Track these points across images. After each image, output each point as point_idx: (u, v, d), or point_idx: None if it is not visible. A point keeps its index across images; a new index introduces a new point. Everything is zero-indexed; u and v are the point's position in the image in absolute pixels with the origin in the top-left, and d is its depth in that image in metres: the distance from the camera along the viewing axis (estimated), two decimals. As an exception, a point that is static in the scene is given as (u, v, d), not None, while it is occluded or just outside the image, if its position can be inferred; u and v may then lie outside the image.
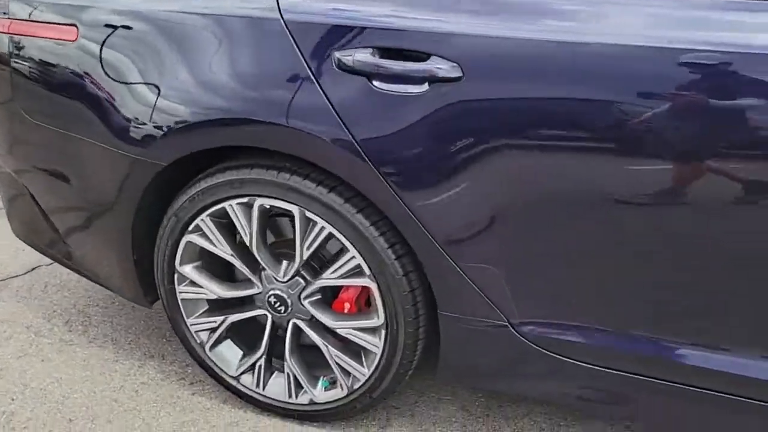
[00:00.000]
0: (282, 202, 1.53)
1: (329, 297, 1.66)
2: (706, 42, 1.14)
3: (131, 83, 1.56)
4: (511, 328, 1.46)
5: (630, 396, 1.44)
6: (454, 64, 1.26)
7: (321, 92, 1.37)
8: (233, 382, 1.81)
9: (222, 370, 1.81)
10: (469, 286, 1.44)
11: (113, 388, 1.90)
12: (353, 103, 1.36)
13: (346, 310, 1.65)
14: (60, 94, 1.69)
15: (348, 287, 1.61)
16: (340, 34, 1.35)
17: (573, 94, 1.22)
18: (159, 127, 1.53)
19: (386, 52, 1.33)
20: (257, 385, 1.78)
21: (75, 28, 1.63)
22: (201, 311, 1.78)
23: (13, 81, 1.76)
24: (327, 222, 1.50)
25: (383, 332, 1.58)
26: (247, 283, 1.70)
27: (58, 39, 1.65)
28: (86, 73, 1.61)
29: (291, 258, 1.62)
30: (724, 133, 1.16)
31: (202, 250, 1.70)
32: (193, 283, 1.74)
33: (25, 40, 1.71)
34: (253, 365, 1.77)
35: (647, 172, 1.21)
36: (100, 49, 1.59)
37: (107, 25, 1.59)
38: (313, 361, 1.74)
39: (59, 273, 2.46)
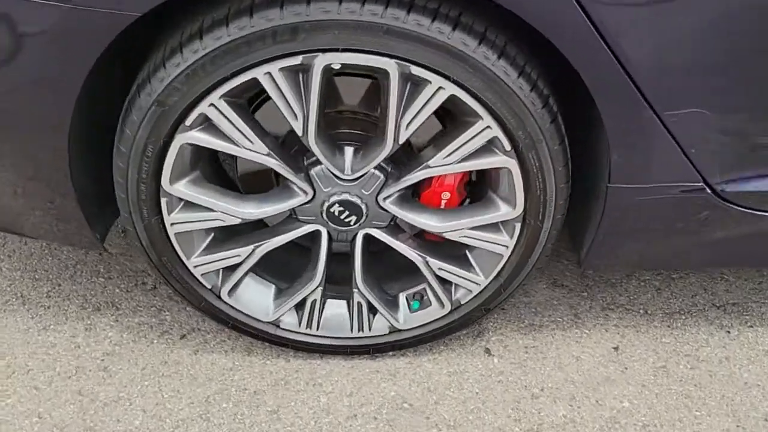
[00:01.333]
0: (367, 56, 0.91)
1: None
2: None
3: None
4: (708, 190, 1.05)
5: None
6: None
7: None
8: (270, 329, 1.25)
9: (251, 317, 1.23)
10: (668, 143, 0.98)
11: (69, 370, 1.25)
12: None
13: (443, 203, 1.13)
14: None
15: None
16: None
17: None
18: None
19: None
20: (307, 325, 1.24)
21: None
22: (205, 244, 1.15)
23: None
24: (446, 78, 0.92)
25: (517, 226, 1.09)
26: (287, 191, 1.09)
27: None
28: None
29: (360, 143, 1.04)
30: None
31: (200, 153, 1.05)
32: (192, 207, 1.09)
33: None
34: (302, 302, 1.21)
35: None
36: None
37: None
38: (383, 277, 1.23)
39: None
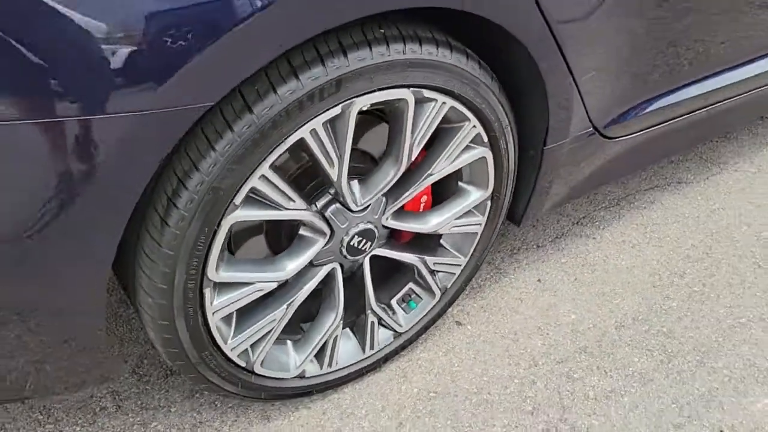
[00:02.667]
0: (391, 91, 1.02)
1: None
2: None
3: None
4: (596, 132, 1.40)
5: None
6: None
7: None
8: (297, 383, 1.26)
9: (279, 379, 1.22)
10: (578, 103, 1.29)
11: None
12: None
13: (423, 206, 1.28)
14: None
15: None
16: None
17: None
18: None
19: None
20: (328, 365, 1.28)
21: None
22: (234, 323, 1.12)
23: None
24: (445, 95, 1.08)
25: (488, 204, 1.30)
26: (308, 239, 1.12)
27: None
28: None
29: (361, 174, 1.14)
30: None
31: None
32: (228, 287, 1.06)
33: None
34: (324, 345, 1.25)
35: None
36: None
37: None
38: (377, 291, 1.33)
39: None
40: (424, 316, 1.38)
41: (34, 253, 0.83)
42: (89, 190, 0.81)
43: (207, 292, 1.01)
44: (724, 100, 1.64)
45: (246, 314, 1.13)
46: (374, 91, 0.99)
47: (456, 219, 1.28)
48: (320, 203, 1.11)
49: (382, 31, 0.97)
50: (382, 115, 1.20)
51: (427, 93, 1.06)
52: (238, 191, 0.95)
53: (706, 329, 1.50)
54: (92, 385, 1.04)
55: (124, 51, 0.73)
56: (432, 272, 1.33)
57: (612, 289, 1.60)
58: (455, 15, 1.00)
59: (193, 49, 0.76)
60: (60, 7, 0.70)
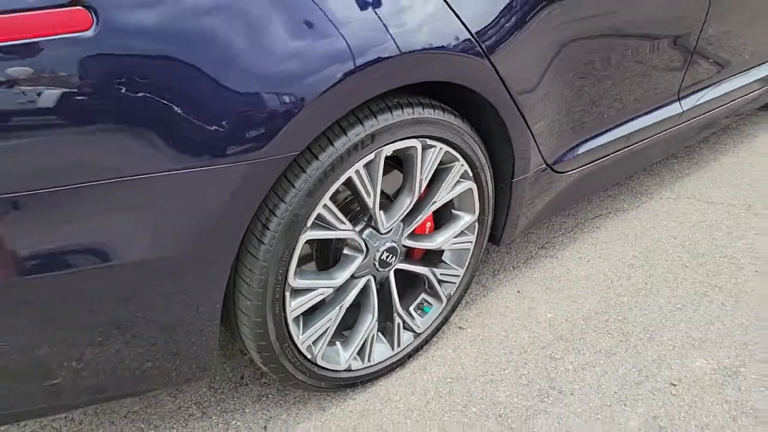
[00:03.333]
0: (406, 141, 1.45)
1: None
2: None
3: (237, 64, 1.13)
4: (548, 168, 1.85)
5: (607, 170, 2.07)
6: None
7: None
8: (346, 375, 1.61)
9: (333, 371, 1.58)
10: (533, 145, 1.74)
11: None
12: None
13: (428, 230, 1.70)
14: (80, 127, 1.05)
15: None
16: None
17: None
18: (294, 107, 1.20)
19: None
20: (368, 359, 1.65)
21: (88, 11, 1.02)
22: (301, 323, 1.49)
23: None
24: (442, 142, 1.52)
25: (476, 225, 1.72)
26: (350, 256, 1.52)
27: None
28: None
29: (384, 205, 1.55)
30: None
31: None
32: (299, 292, 1.44)
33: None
34: (364, 342, 1.62)
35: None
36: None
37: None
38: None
39: None
40: (436, 318, 1.76)
41: (180, 268, 1.20)
42: (221, 220, 1.19)
43: (287, 295, 1.39)
44: (641, 140, 2.13)
45: (310, 316, 1.50)
46: (395, 141, 1.42)
47: (454, 238, 1.69)
48: (359, 227, 1.51)
49: (396, 100, 1.40)
50: (393, 164, 1.62)
51: (429, 142, 1.49)
52: (309, 216, 1.34)
53: (652, 314, 1.92)
54: (197, 379, 1.38)
55: (253, 118, 1.14)
56: (439, 282, 1.72)
57: (576, 293, 2.02)
58: (449, 85, 1.45)
59: (290, 116, 1.18)
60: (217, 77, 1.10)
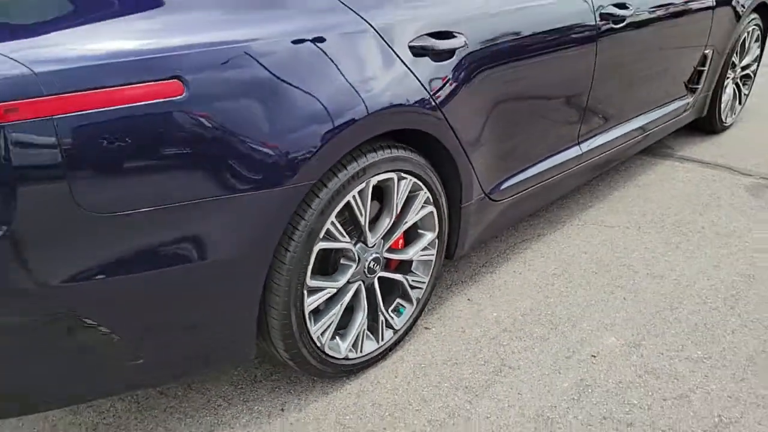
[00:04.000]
0: (386, 174, 1.93)
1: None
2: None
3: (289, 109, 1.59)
4: (485, 197, 2.38)
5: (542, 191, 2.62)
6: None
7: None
8: (345, 362, 2.03)
9: (338, 358, 2.00)
10: (474, 178, 2.27)
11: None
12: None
13: (400, 245, 2.18)
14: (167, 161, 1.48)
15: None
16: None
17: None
18: (315, 145, 1.66)
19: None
20: (360, 351, 2.07)
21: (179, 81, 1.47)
22: (314, 317, 1.92)
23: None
24: (412, 175, 2.02)
25: (436, 241, 2.21)
26: (347, 264, 1.97)
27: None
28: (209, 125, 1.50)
29: (372, 225, 2.02)
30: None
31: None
32: (317, 290, 1.87)
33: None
34: (357, 336, 2.05)
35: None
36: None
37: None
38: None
39: None
40: (409, 318, 2.21)
41: (239, 268, 1.62)
42: (266, 230, 1.63)
43: (305, 293, 1.81)
44: (553, 176, 2.70)
45: (319, 313, 1.92)
46: (379, 174, 1.89)
47: (421, 251, 2.17)
48: (353, 241, 1.96)
49: (379, 143, 1.89)
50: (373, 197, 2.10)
51: (403, 174, 1.98)
52: (321, 230, 1.78)
53: (573, 309, 2.45)
54: (243, 362, 1.78)
55: (290, 158, 1.59)
56: (411, 287, 2.18)
57: (513, 297, 2.52)
58: (415, 131, 1.95)
59: (311, 156, 1.64)
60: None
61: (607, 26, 2.65)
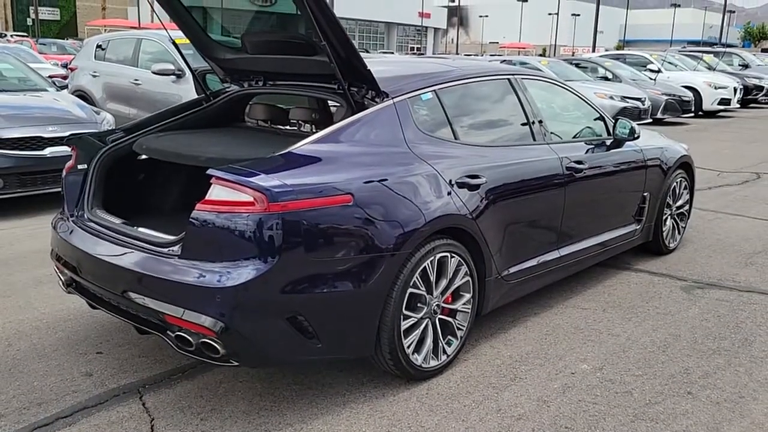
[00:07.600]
0: (443, 253, 3.37)
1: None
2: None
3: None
4: (500, 277, 3.80)
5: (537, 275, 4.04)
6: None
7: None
8: (419, 368, 3.35)
9: (414, 365, 3.32)
10: (494, 262, 3.70)
11: None
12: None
13: (450, 300, 3.58)
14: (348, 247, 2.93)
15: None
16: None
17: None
18: (413, 230, 3.12)
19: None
20: (428, 364, 3.40)
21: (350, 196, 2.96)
22: (405, 335, 3.27)
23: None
24: (457, 256, 3.46)
25: (473, 300, 3.61)
26: (421, 306, 3.35)
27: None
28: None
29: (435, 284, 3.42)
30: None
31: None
32: (407, 317, 3.24)
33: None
34: (426, 353, 3.38)
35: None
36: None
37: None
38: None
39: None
40: (456, 348, 3.54)
41: (371, 298, 3.02)
42: (388, 277, 3.05)
43: (401, 317, 3.19)
44: (540, 271, 4.12)
45: (407, 333, 3.28)
46: (440, 252, 3.33)
47: (461, 305, 3.55)
48: (425, 290, 3.35)
49: (439, 234, 3.35)
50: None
51: (453, 255, 3.41)
52: (411, 280, 3.18)
53: (531, 343, 3.77)
54: (369, 353, 3.12)
55: (405, 235, 3.06)
56: (457, 328, 3.54)
57: (516, 341, 3.85)
58: (459, 229, 3.43)
59: (414, 233, 3.10)
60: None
61: (571, 175, 4.22)
